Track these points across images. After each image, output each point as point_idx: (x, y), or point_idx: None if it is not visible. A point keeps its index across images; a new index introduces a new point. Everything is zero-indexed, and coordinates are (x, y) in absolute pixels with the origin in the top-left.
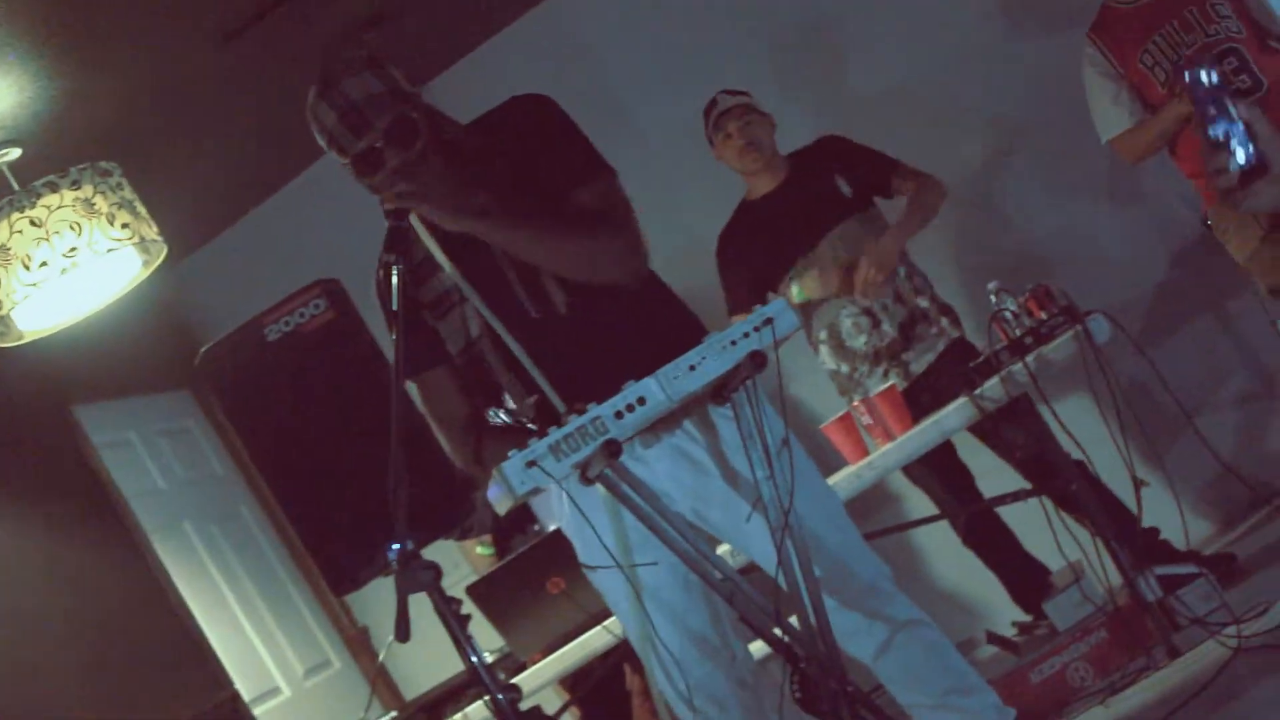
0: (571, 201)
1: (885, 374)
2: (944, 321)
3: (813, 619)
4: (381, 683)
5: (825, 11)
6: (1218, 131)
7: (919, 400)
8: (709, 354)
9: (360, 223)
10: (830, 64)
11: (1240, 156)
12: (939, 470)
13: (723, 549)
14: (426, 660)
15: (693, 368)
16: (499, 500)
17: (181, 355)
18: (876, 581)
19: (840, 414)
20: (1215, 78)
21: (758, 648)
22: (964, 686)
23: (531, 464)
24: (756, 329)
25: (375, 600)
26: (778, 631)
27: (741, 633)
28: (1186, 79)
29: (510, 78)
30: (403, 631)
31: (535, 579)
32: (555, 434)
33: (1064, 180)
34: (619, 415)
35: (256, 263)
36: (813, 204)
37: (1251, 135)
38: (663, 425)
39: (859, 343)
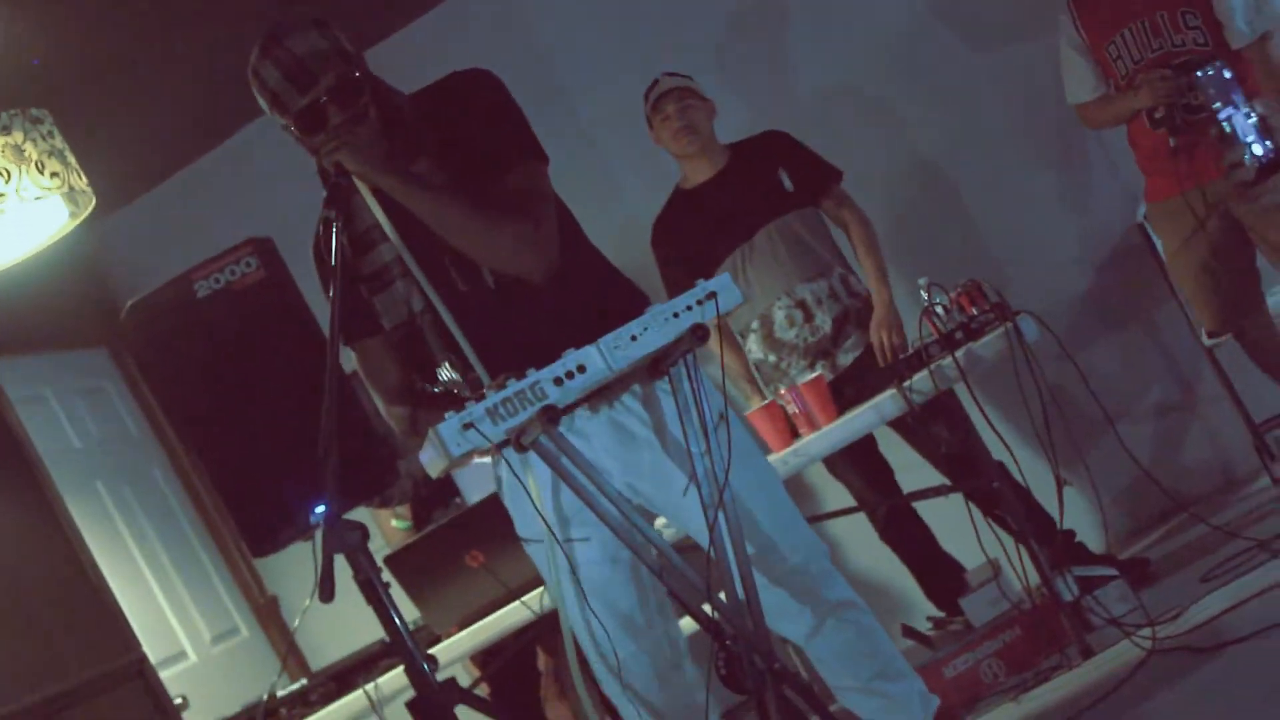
0: (493, 183)
1: (811, 366)
2: None
3: (741, 595)
4: (287, 653)
5: (772, 3)
6: (1226, 124)
7: (843, 393)
8: (651, 325)
9: (292, 187)
10: (775, 56)
11: (1258, 149)
12: (859, 463)
13: (658, 523)
14: (332, 633)
15: (634, 338)
16: (432, 463)
17: (101, 312)
18: (810, 561)
19: (766, 401)
20: (1227, 74)
21: (687, 624)
22: (891, 672)
23: (468, 426)
24: (700, 302)
25: (286, 569)
26: (706, 608)
27: (670, 611)
28: (1199, 76)
29: (448, 53)
30: (327, 592)
31: (455, 551)
32: (493, 398)
33: (999, 183)
34: (558, 382)
35: (182, 223)
36: (752, 195)
37: (1267, 130)
38: (602, 398)
39: (790, 335)
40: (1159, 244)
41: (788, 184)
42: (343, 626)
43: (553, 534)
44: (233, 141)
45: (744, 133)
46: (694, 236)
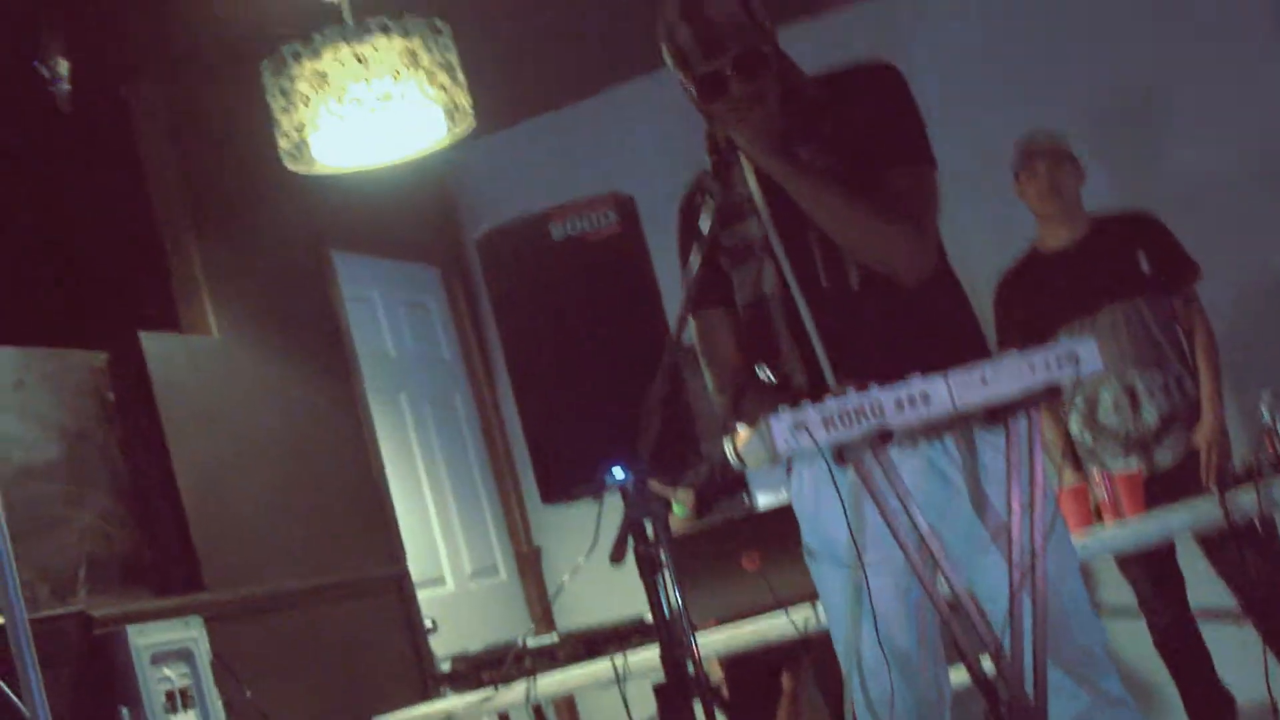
0: (882, 180)
1: (1127, 457)
2: None
3: (1030, 667)
4: (537, 606)
5: (1153, 83)
6: None
7: (1153, 492)
8: (1004, 371)
9: (654, 150)
10: (1150, 137)
11: None
12: (1153, 566)
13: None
14: (581, 598)
15: (985, 381)
16: (753, 453)
17: (441, 232)
18: (1094, 648)
19: (1076, 482)
20: None
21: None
22: None
23: (800, 427)
24: (1060, 362)
25: (554, 524)
26: (987, 665)
27: (943, 658)
28: None
29: (834, 53)
30: (619, 553)
31: (735, 549)
32: (832, 404)
33: None
34: (899, 405)
35: (538, 164)
36: (1106, 270)
37: None
38: (927, 432)
39: (1113, 420)
40: None
41: (1145, 267)
42: (593, 594)
43: (855, 554)
44: (604, 96)
45: (1101, 205)
46: (1039, 299)
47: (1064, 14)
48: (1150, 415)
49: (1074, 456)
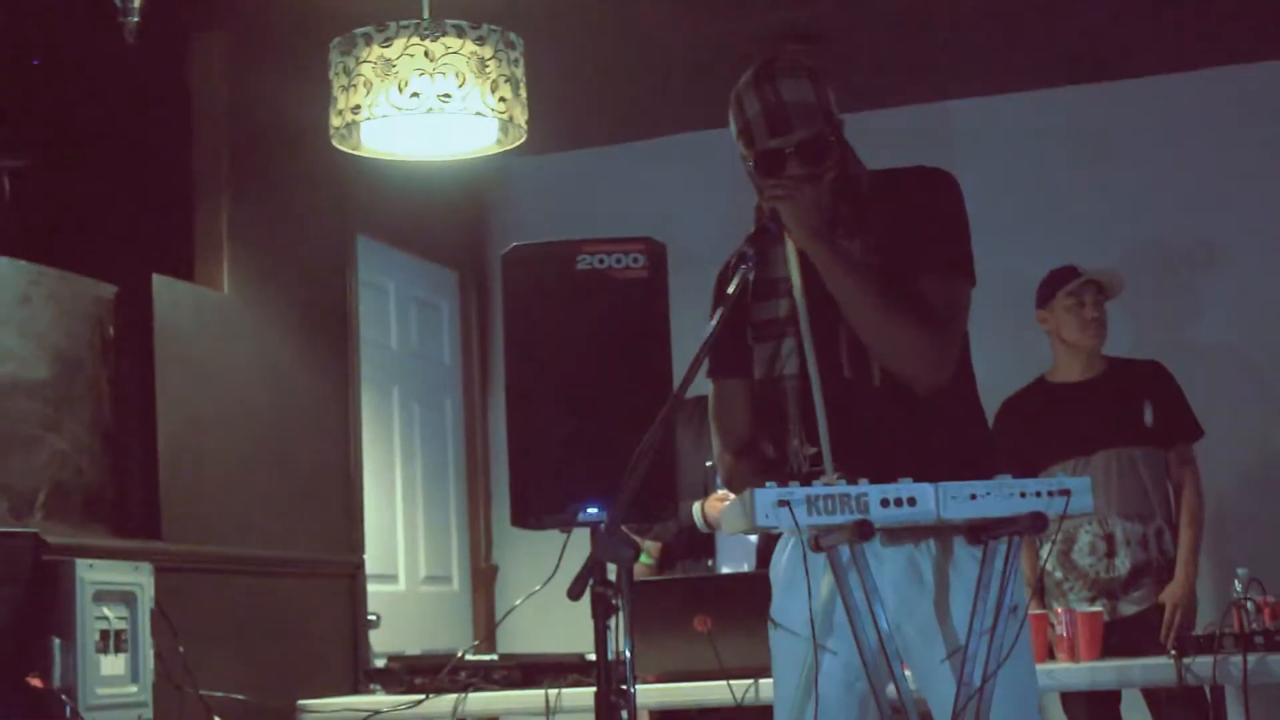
0: (918, 285)
1: (1093, 600)
2: None
3: None
4: (483, 623)
5: (1195, 238)
6: None
7: (1109, 640)
8: (995, 492)
9: (693, 208)
10: (1182, 291)
11: None
12: (1097, 712)
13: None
14: (532, 628)
15: (974, 497)
16: (731, 521)
17: (466, 238)
18: None
19: (1037, 612)
20: None
21: None
22: None
23: (783, 504)
24: (1050, 494)
25: (515, 546)
26: None
27: None
28: None
29: (880, 151)
30: (577, 591)
31: (690, 608)
32: (819, 488)
33: None
34: (884, 503)
35: (577, 197)
36: (1109, 414)
37: None
38: (910, 535)
39: (1085, 562)
40: None
41: (1148, 418)
42: (541, 624)
43: (815, 635)
44: (658, 142)
45: (1120, 350)
46: (1037, 430)
47: (1120, 155)
48: (1123, 564)
49: (1040, 588)
